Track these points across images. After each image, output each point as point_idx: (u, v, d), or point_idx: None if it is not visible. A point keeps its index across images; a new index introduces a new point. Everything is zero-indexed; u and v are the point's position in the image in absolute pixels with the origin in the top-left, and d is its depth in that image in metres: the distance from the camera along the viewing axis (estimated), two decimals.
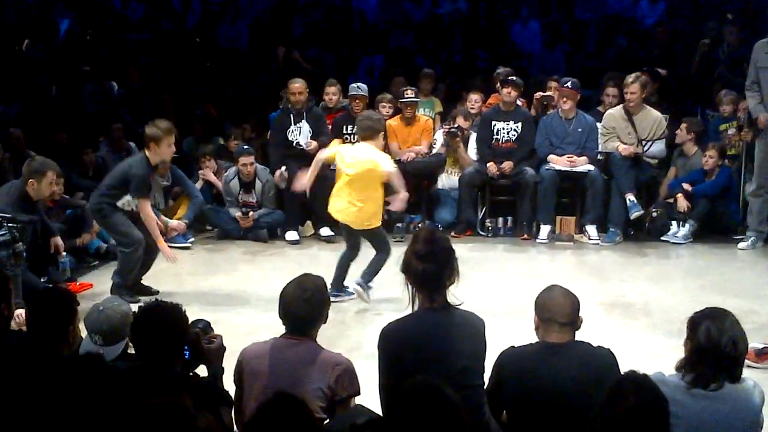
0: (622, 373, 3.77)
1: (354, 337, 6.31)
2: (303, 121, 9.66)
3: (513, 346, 3.97)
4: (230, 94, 12.67)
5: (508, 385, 3.85)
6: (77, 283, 7.77)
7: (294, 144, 9.66)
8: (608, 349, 3.90)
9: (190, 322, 3.94)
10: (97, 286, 7.73)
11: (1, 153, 9.02)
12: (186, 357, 3.77)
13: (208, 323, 4.09)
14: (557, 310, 3.85)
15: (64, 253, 7.80)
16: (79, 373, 3.15)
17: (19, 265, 6.67)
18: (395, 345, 3.95)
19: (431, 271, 3.96)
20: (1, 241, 6.63)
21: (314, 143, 9.50)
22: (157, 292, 7.38)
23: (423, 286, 4.00)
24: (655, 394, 3.08)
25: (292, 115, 9.66)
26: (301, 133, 9.66)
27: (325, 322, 4.07)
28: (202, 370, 3.99)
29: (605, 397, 3.10)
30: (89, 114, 11.86)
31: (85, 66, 13.05)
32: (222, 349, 3.99)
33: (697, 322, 3.61)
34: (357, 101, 9.96)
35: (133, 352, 3.87)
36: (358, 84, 10.15)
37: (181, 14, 15.38)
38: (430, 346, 3.88)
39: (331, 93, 10.38)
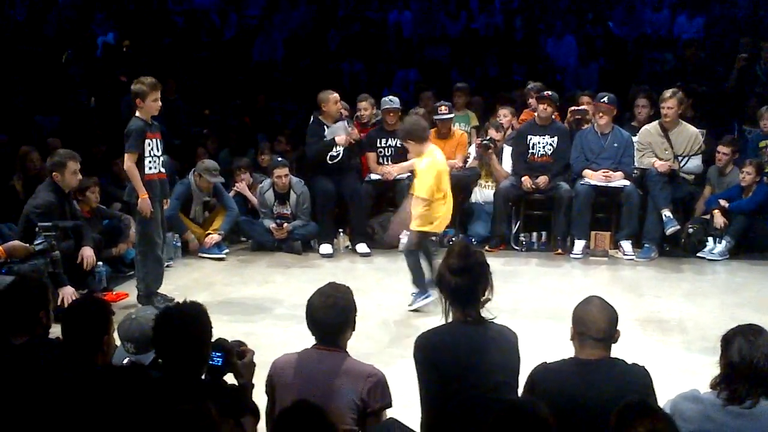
0: (656, 392, 3.76)
1: (386, 348, 6.31)
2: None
3: (546, 363, 3.94)
4: (265, 107, 12.74)
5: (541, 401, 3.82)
6: (113, 293, 7.85)
7: (328, 156, 9.70)
8: (643, 366, 3.86)
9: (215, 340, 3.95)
10: (134, 296, 7.79)
11: (39, 163, 9.12)
12: (219, 364, 3.77)
13: (241, 343, 4.06)
14: (592, 325, 3.81)
15: (100, 263, 7.91)
16: (122, 383, 3.19)
17: (57, 271, 6.83)
18: (431, 355, 3.97)
19: (465, 286, 3.97)
20: (38, 250, 6.77)
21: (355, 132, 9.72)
22: (172, 300, 7.29)
23: (456, 300, 4.01)
24: (665, 422, 3.07)
25: (326, 127, 9.69)
26: (335, 148, 9.70)
27: (354, 330, 4.07)
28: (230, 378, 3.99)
29: (614, 425, 3.08)
30: (126, 125, 11.96)
31: (123, 78, 13.19)
32: (252, 366, 3.95)
33: (730, 339, 3.60)
34: (390, 115, 9.97)
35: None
36: (390, 97, 10.12)
37: (219, 28, 15.53)
38: (466, 359, 3.89)
39: (363, 108, 10.41)
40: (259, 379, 4.05)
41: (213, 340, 3.81)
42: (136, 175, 7.21)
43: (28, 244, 6.88)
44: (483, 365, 3.89)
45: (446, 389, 3.90)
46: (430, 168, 7.16)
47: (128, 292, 7.94)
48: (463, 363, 3.89)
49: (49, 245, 6.85)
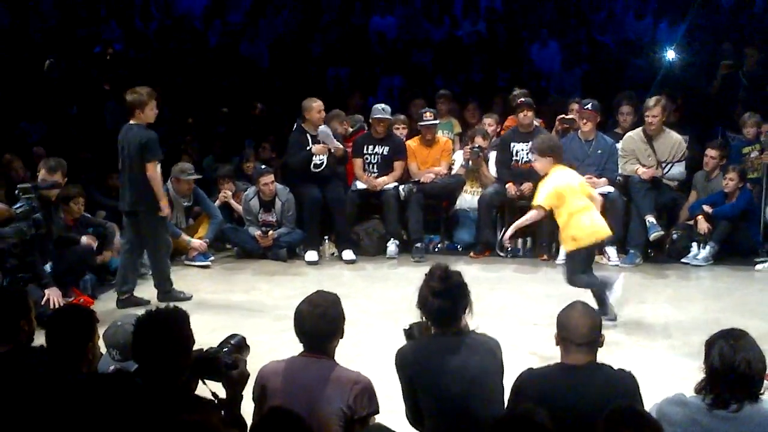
0: (642, 397, 3.78)
1: (372, 354, 6.30)
2: (320, 144, 9.67)
3: (531, 368, 3.96)
4: (250, 114, 12.71)
5: None
6: (80, 300, 7.57)
7: (311, 166, 9.69)
8: (629, 372, 3.88)
9: (227, 336, 3.93)
10: (112, 303, 7.78)
11: (23, 171, 9.09)
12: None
13: (243, 339, 4.00)
14: (574, 330, 3.85)
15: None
16: (107, 390, 3.17)
17: (39, 233, 6.86)
18: (411, 366, 4.03)
19: (447, 307, 4.05)
20: (20, 213, 6.78)
21: (341, 147, 9.66)
22: (148, 302, 7.58)
23: (439, 321, 4.09)
24: (653, 427, 3.08)
25: (309, 136, 9.68)
26: (317, 155, 9.66)
27: (342, 337, 4.08)
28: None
29: (602, 429, 3.09)
30: (111, 132, 11.91)
31: (106, 86, 13.16)
32: (245, 376, 3.87)
33: (712, 344, 3.62)
34: (381, 124, 9.94)
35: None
36: (383, 106, 10.07)
37: (203, 33, 15.48)
38: (447, 368, 3.95)
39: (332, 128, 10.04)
40: (247, 386, 4.04)
41: (204, 350, 3.78)
42: (160, 182, 7.64)
43: (9, 208, 6.94)
44: (464, 373, 3.94)
45: (429, 399, 3.96)
46: (553, 179, 7.00)
47: (109, 300, 7.92)
48: (445, 372, 3.94)
49: (29, 207, 6.87)
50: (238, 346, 3.93)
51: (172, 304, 3.82)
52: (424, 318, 4.13)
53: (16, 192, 7.03)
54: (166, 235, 7.98)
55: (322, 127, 9.59)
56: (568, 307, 3.99)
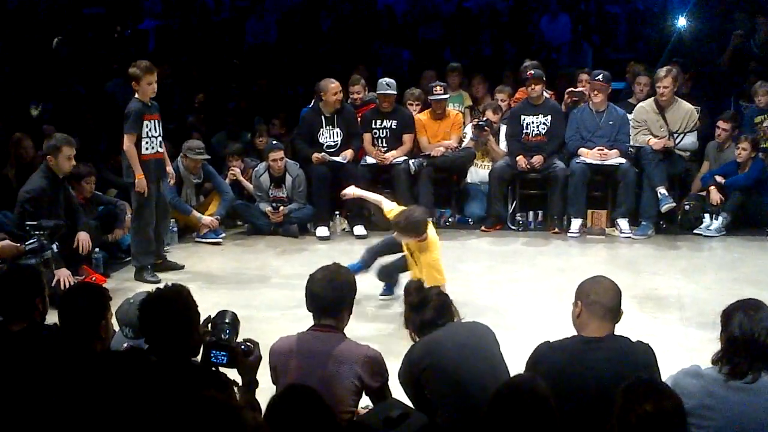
0: (659, 370, 3.77)
1: (384, 329, 6.31)
2: (335, 126, 9.72)
3: (549, 341, 3.94)
4: (259, 90, 12.68)
5: (544, 380, 3.81)
6: (92, 278, 7.61)
7: (324, 146, 9.74)
8: (647, 344, 3.87)
9: (216, 313, 3.92)
10: (130, 282, 7.80)
11: (32, 151, 9.07)
12: (224, 362, 3.71)
13: (235, 315, 3.94)
14: (604, 293, 3.86)
15: (97, 249, 7.90)
16: (121, 367, 3.18)
17: (50, 271, 6.83)
18: (410, 364, 4.06)
19: (430, 318, 4.10)
20: (30, 249, 6.78)
21: (350, 153, 9.69)
22: (182, 267, 8.17)
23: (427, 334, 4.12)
24: (672, 400, 3.07)
25: (324, 117, 9.68)
26: (331, 137, 9.72)
27: (350, 313, 4.11)
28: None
29: (621, 403, 3.08)
30: (119, 109, 11.88)
31: (114, 64, 13.11)
32: (259, 360, 3.87)
33: (730, 314, 3.61)
34: (386, 99, 9.92)
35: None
36: (387, 81, 10.01)
37: (212, 10, 15.44)
38: (440, 337, 4.05)
39: (356, 92, 10.35)
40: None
41: (220, 338, 3.76)
42: (134, 155, 7.63)
43: (18, 244, 6.90)
44: (456, 337, 4.05)
45: (432, 378, 3.98)
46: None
47: (121, 278, 7.96)
48: (441, 342, 4.01)
49: (39, 245, 6.86)
50: (233, 325, 3.86)
51: (170, 283, 3.83)
52: (415, 337, 4.17)
53: (27, 228, 7.02)
54: (147, 212, 7.81)
55: (343, 154, 9.67)
56: (592, 278, 4.01)
